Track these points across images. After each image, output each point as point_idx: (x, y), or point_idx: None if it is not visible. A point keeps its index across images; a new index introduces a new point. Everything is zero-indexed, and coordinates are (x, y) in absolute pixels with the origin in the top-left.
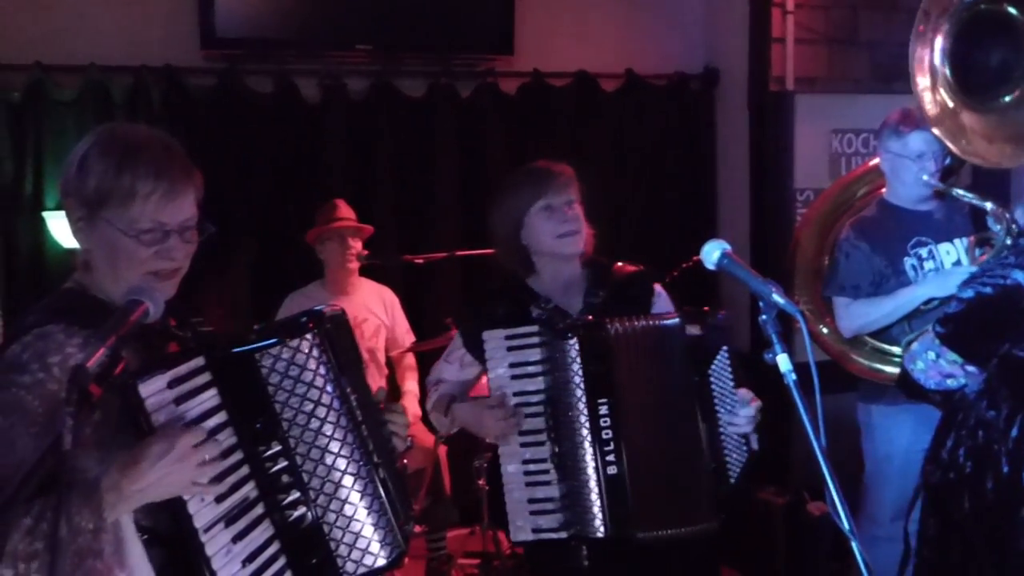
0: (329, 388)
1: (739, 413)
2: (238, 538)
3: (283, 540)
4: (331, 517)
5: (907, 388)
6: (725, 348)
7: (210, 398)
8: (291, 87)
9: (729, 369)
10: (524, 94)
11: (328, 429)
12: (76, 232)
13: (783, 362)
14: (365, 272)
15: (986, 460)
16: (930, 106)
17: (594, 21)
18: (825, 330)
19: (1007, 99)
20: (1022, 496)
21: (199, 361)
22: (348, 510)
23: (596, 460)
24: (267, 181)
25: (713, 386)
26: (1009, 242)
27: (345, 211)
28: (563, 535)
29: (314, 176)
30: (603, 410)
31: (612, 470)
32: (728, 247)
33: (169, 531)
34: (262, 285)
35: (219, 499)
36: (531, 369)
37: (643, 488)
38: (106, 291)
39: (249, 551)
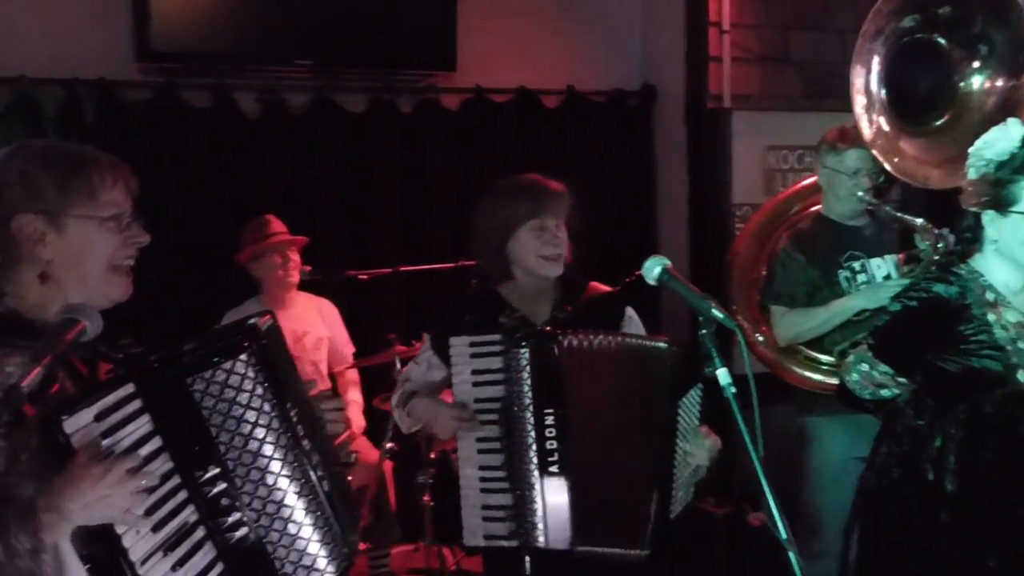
0: (267, 407)
1: (699, 444)
2: (179, 564)
3: (226, 562)
4: (274, 536)
5: (844, 399)
6: (701, 385)
7: (143, 425)
8: (229, 102)
9: (699, 406)
10: (466, 110)
11: (268, 449)
12: (34, 247)
13: (722, 376)
14: (307, 287)
15: (912, 467)
16: (867, 126)
17: (535, 38)
18: (761, 339)
19: (937, 123)
20: (944, 502)
21: (129, 388)
22: (292, 528)
23: (539, 469)
24: (205, 197)
25: (680, 419)
26: (936, 258)
27: (277, 225)
28: (513, 543)
29: (253, 192)
30: (548, 420)
31: (555, 481)
32: (668, 263)
33: (108, 560)
34: (201, 302)
35: (156, 528)
36: (491, 377)
37: (584, 501)
38: (36, 308)
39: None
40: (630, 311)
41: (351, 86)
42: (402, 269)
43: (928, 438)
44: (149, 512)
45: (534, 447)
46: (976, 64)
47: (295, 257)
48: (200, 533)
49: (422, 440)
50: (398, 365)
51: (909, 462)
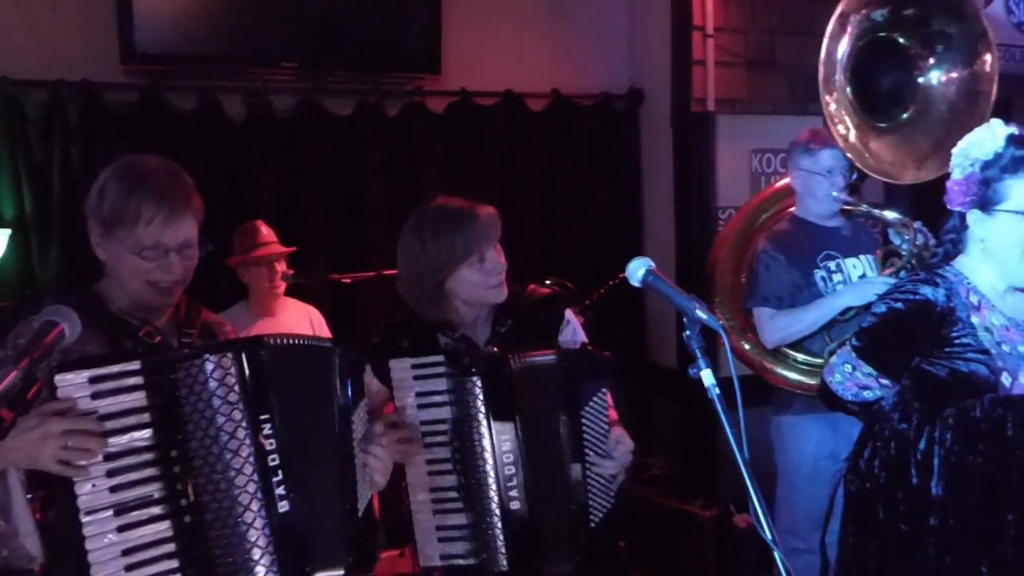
0: (233, 412)
1: (609, 454)
2: (124, 528)
3: (179, 544)
4: (214, 533)
5: (826, 399)
6: (604, 391)
7: (137, 399)
8: (215, 104)
9: (605, 412)
10: (452, 113)
11: (217, 448)
12: (96, 247)
13: (707, 377)
14: (292, 291)
15: (897, 471)
16: (837, 125)
17: (520, 41)
18: (747, 345)
19: (904, 117)
20: (931, 506)
21: (134, 365)
22: (228, 530)
23: (499, 495)
24: None
25: (585, 428)
26: (915, 251)
27: (267, 234)
28: (472, 562)
29: (239, 195)
30: (505, 446)
31: (515, 505)
32: (653, 264)
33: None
34: None
35: (113, 489)
36: (437, 399)
37: (541, 523)
38: (113, 297)
39: (135, 544)
40: (568, 314)
41: (337, 89)
42: (386, 273)
43: (913, 442)
44: (112, 474)
45: (492, 474)
46: (932, 60)
47: (280, 268)
48: (159, 510)
49: None
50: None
51: (895, 465)
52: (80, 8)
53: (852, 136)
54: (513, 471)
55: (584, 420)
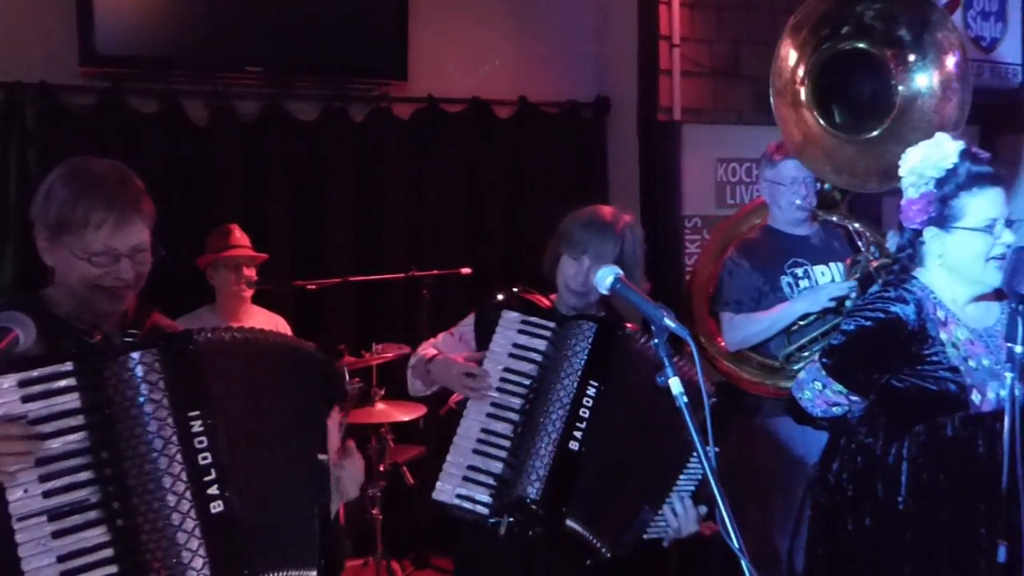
0: (150, 408)
1: (686, 507)
2: (60, 535)
3: (116, 549)
4: (146, 537)
5: (796, 415)
6: (713, 451)
7: (71, 401)
8: (177, 108)
9: (700, 475)
10: (418, 119)
11: (145, 448)
12: (42, 252)
13: (674, 385)
14: (256, 298)
15: (865, 485)
16: (793, 136)
17: (487, 48)
18: (713, 350)
19: (874, 133)
20: (897, 520)
21: (66, 366)
22: (157, 534)
23: (561, 430)
24: (152, 204)
25: (694, 461)
26: (870, 258)
27: (240, 237)
28: (481, 511)
29: (202, 200)
30: (591, 391)
31: (573, 445)
32: (621, 272)
33: None
34: None
35: (47, 495)
36: (532, 356)
37: (593, 480)
38: (60, 301)
39: (71, 550)
40: None
41: (302, 94)
42: (351, 279)
43: (880, 456)
44: (45, 479)
45: (566, 409)
46: (912, 66)
47: (249, 273)
48: (95, 514)
49: (372, 453)
50: (347, 376)
51: (861, 479)
52: (38, 8)
53: (809, 147)
54: (587, 415)
55: (694, 457)
